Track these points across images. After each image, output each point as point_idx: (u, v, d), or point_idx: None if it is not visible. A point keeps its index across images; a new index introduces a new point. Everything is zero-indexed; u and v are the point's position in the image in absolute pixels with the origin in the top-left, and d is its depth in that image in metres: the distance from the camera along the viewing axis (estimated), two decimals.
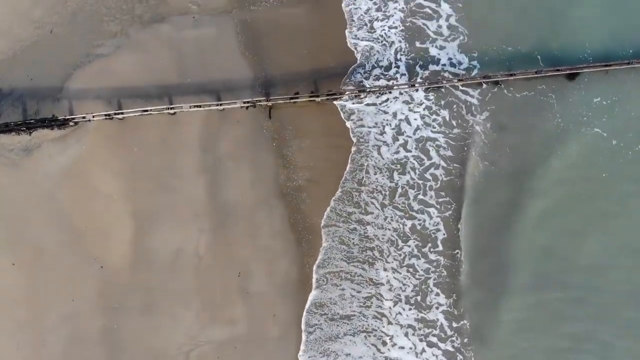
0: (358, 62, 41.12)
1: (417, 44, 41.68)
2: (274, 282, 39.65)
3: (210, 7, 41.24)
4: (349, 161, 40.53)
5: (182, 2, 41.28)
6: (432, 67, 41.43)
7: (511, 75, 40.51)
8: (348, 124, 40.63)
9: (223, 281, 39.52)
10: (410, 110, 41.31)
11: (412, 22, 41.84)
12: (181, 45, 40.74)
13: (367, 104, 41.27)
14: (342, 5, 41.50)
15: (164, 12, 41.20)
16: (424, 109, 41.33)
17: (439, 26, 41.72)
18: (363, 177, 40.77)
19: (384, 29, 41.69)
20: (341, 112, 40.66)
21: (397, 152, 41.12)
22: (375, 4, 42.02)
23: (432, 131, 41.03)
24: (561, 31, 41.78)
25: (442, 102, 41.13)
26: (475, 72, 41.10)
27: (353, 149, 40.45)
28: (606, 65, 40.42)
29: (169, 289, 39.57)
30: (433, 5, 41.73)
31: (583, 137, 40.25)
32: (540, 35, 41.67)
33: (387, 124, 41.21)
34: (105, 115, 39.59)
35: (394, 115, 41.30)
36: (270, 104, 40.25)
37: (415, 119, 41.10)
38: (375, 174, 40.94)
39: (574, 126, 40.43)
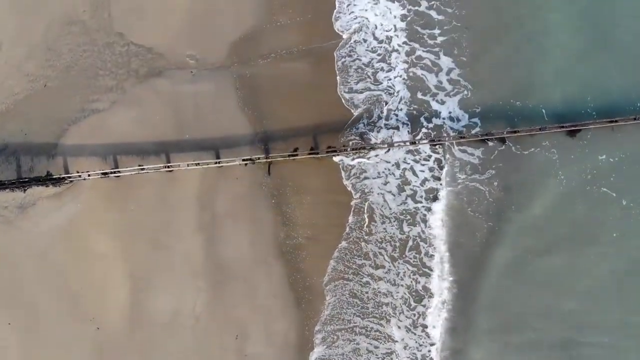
0: (356, 115, 40.21)
1: (419, 96, 40.63)
2: (272, 344, 38.98)
3: (208, 62, 40.39)
4: (352, 212, 39.65)
5: (179, 57, 40.43)
6: (434, 121, 40.46)
7: (514, 132, 39.63)
8: (348, 182, 39.69)
9: (220, 343, 38.77)
10: (414, 161, 40.48)
11: (413, 73, 40.94)
12: (179, 101, 39.91)
13: (368, 157, 40.72)
14: (335, 56, 40.67)
15: (160, 67, 40.34)
16: (425, 160, 40.68)
17: (439, 81, 40.69)
18: (368, 226, 39.83)
19: (384, 81, 40.65)
20: (342, 171, 39.73)
21: (405, 203, 40.36)
22: (373, 52, 40.95)
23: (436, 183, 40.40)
24: (565, 86, 40.59)
25: (445, 156, 40.40)
26: (476, 129, 39.93)
27: (357, 199, 39.60)
28: (611, 121, 39.58)
29: (166, 351, 38.86)
30: (433, 58, 40.77)
31: (589, 197, 39.19)
32: (543, 90, 40.57)
33: (390, 174, 40.43)
34: (101, 173, 39.00)
35: (397, 165, 40.49)
36: (269, 160, 39.87)
37: (422, 171, 40.24)
38: (383, 223, 40.20)
39: (577, 185, 39.40)
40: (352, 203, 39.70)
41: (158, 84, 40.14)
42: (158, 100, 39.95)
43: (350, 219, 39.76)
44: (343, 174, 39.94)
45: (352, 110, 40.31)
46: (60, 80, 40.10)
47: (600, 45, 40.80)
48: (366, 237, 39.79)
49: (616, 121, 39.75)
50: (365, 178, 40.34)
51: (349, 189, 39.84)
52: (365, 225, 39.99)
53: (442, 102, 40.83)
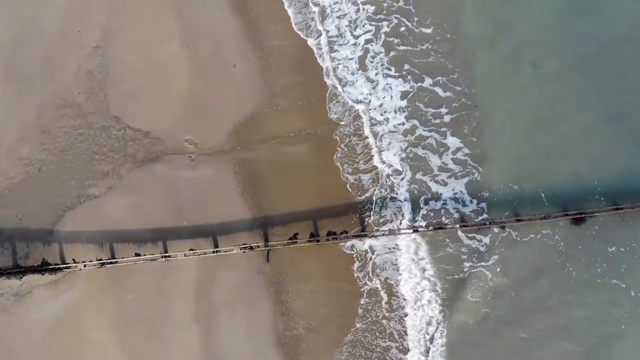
0: (359, 199, 39.24)
1: (422, 178, 39.73)
2: None
3: (207, 146, 39.36)
4: (365, 295, 38.62)
5: (177, 141, 39.41)
6: (436, 205, 39.46)
7: (518, 220, 38.68)
8: (355, 266, 38.93)
9: None
10: (417, 248, 39.44)
11: (417, 154, 39.82)
12: (176, 186, 38.94)
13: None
14: (337, 139, 39.63)
15: (158, 151, 39.33)
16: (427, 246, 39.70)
17: (444, 163, 39.68)
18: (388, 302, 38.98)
19: (387, 162, 39.56)
20: (344, 249, 38.82)
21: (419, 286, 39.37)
22: (375, 135, 39.79)
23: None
24: (573, 171, 39.51)
25: (446, 242, 39.39)
26: (482, 215, 38.89)
27: (368, 281, 38.63)
28: (617, 208, 38.37)
29: None
30: (439, 138, 39.80)
31: (600, 289, 38.10)
32: (549, 175, 39.49)
33: (399, 257, 39.40)
34: (97, 262, 38.26)
35: (407, 250, 39.38)
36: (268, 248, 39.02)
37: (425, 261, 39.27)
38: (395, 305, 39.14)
39: (587, 277, 38.35)
40: (364, 288, 38.65)
41: (155, 169, 39.20)
42: (155, 186, 39.04)
43: (363, 300, 38.79)
44: (356, 264, 38.86)
45: (355, 194, 39.23)
46: (55, 164, 39.20)
47: (611, 127, 39.70)
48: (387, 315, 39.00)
49: (621, 208, 38.75)
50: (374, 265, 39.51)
51: (356, 274, 38.76)
52: (384, 302, 38.98)
53: (445, 184, 39.71)
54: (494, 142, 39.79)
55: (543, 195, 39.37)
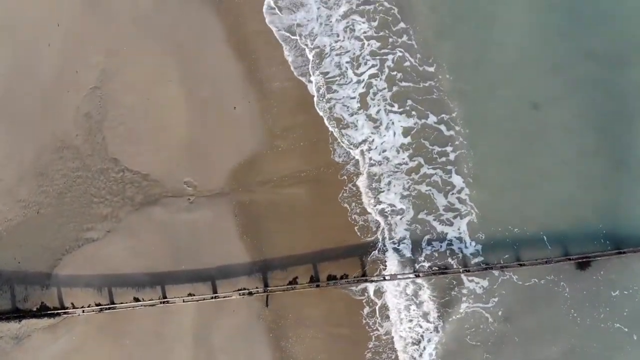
0: (360, 242, 38.79)
1: (424, 217, 39.28)
2: None
3: (206, 189, 38.93)
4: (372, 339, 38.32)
5: (176, 183, 38.98)
6: (438, 246, 38.98)
7: (520, 265, 38.22)
8: (365, 311, 38.52)
9: None
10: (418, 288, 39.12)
11: (419, 192, 39.62)
12: (175, 230, 38.57)
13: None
14: (339, 179, 39.30)
15: (157, 194, 38.93)
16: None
17: (449, 202, 39.26)
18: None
19: (388, 201, 39.17)
20: (351, 294, 38.52)
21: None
22: (377, 181, 39.37)
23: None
24: (575, 214, 39.07)
25: (447, 283, 38.98)
26: (482, 258, 38.56)
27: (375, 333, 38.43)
28: (620, 252, 37.89)
29: None
30: (444, 176, 39.35)
31: (604, 333, 37.71)
32: (551, 218, 39.00)
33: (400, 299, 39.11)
34: (96, 308, 37.94)
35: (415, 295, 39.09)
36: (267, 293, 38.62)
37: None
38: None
39: (591, 321, 37.92)
40: (373, 333, 38.32)
41: (154, 213, 38.83)
42: (154, 229, 38.68)
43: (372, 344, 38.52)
44: (366, 309, 38.43)
45: (357, 236, 38.77)
46: (53, 207, 38.88)
47: (614, 171, 39.08)
48: None
49: (624, 252, 38.12)
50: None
51: (354, 320, 38.40)
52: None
53: (448, 224, 39.32)
54: (491, 183, 39.34)
55: (545, 238, 38.78)
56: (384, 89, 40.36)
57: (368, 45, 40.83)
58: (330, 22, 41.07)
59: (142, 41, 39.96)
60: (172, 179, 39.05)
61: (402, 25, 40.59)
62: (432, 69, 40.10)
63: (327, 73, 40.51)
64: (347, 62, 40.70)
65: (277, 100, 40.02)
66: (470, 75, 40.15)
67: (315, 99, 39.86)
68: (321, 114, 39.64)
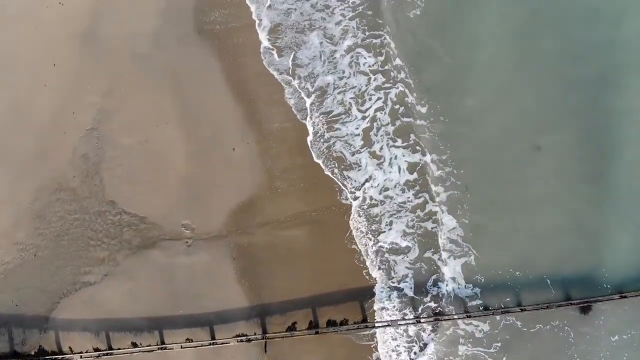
0: (360, 286, 38.23)
1: (426, 257, 38.71)
2: None
3: (204, 231, 38.48)
4: None
5: (174, 226, 38.57)
6: (438, 289, 38.59)
7: (522, 310, 37.77)
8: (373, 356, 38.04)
9: None
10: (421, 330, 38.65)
11: (420, 233, 39.14)
12: (173, 273, 38.12)
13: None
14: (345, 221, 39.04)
15: (154, 237, 38.51)
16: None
17: (446, 243, 38.92)
18: None
19: (389, 242, 38.91)
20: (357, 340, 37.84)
21: None
22: (376, 219, 38.97)
23: None
24: (576, 257, 38.67)
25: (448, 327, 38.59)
26: (480, 301, 38.27)
27: None
28: (622, 296, 37.49)
29: None
30: (440, 216, 39.11)
31: None
32: (552, 260, 38.60)
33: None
34: (94, 353, 37.59)
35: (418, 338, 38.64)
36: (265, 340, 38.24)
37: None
38: None
39: None
40: None
41: (152, 256, 38.38)
42: (152, 272, 38.25)
43: None
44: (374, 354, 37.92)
45: (359, 279, 38.30)
46: (50, 250, 38.48)
47: (616, 215, 38.83)
48: None
49: (625, 296, 37.67)
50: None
51: None
52: None
53: (445, 263, 38.85)
54: (489, 225, 38.95)
55: (549, 281, 38.36)
56: (387, 123, 40.12)
57: (374, 80, 40.50)
58: (335, 58, 40.78)
59: (140, 81, 39.53)
60: (170, 222, 38.66)
61: (398, 61, 40.57)
62: (424, 110, 40.09)
63: (330, 112, 40.07)
64: (351, 99, 40.36)
65: (277, 141, 39.56)
66: (465, 118, 39.97)
67: (309, 141, 39.51)
68: (317, 160, 39.22)
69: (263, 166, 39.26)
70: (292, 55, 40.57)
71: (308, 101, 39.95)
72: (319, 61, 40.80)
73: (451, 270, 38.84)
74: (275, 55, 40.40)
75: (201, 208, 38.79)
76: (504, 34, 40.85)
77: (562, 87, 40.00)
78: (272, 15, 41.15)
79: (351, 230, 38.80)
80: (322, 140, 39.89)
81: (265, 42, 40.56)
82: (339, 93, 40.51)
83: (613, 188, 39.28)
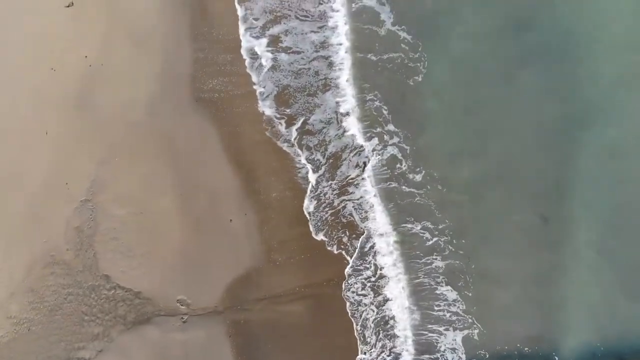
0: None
1: (430, 328, 37.80)
2: None
3: (200, 307, 37.22)
4: None
5: (169, 301, 37.38)
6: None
7: None
8: None
9: None
10: None
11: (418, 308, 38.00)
12: (168, 351, 36.81)
13: None
14: (343, 296, 37.84)
15: (149, 312, 37.38)
16: None
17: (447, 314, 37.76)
18: None
19: (391, 315, 37.85)
20: None
21: None
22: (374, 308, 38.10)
23: None
24: (589, 331, 37.16)
25: None
26: None
27: None
28: None
29: None
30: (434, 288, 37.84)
31: None
32: (561, 336, 37.17)
33: None
34: None
35: None
36: None
37: None
38: None
39: None
40: None
41: (146, 332, 37.28)
42: (146, 349, 37.04)
43: None
44: None
45: (360, 355, 37.26)
46: (44, 324, 37.43)
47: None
48: None
49: None
50: None
51: None
52: None
53: (444, 335, 37.57)
54: (494, 297, 37.60)
55: (557, 358, 37.07)
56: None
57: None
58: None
59: (135, 150, 38.28)
60: (165, 297, 37.52)
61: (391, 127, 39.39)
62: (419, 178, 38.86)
63: (346, 176, 38.87)
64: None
65: (276, 211, 38.21)
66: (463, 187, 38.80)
67: (308, 212, 38.40)
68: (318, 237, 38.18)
69: (261, 238, 37.94)
70: (300, 122, 39.34)
71: (314, 176, 38.74)
72: (334, 124, 39.55)
73: (451, 341, 37.66)
74: (282, 126, 39.01)
75: (197, 282, 37.66)
76: (509, 98, 39.39)
77: (568, 155, 38.51)
78: (278, 77, 39.80)
79: (351, 304, 37.50)
80: (327, 208, 38.76)
81: (268, 111, 39.18)
82: (354, 156, 39.31)
83: (624, 258, 37.68)
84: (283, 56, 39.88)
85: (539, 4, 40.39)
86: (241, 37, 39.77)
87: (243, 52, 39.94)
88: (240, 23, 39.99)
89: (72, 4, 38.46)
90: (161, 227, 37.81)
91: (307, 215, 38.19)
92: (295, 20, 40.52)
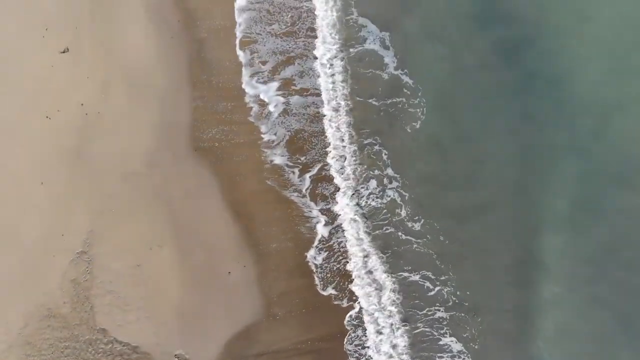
0: None
1: None
2: None
3: None
4: None
5: (167, 356, 35.98)
6: None
7: None
8: None
9: None
10: None
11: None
12: None
13: None
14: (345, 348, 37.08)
15: None
16: None
17: None
18: None
19: None
20: None
21: None
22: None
23: None
24: None
25: None
26: None
27: None
28: None
29: None
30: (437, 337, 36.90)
31: None
32: None
33: None
34: None
35: None
36: None
37: None
38: None
39: None
40: None
41: None
42: None
43: None
44: None
45: None
46: None
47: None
48: None
49: None
50: None
51: None
52: None
53: None
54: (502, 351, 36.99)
55: None
56: None
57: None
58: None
59: (133, 201, 37.47)
60: (163, 352, 36.56)
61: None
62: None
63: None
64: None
65: (275, 263, 37.39)
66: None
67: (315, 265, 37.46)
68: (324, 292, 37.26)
69: (260, 291, 37.12)
70: (317, 169, 38.41)
71: (326, 229, 38.06)
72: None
73: None
74: (294, 175, 38.37)
75: (195, 337, 36.90)
76: (514, 150, 38.84)
77: (580, 208, 37.75)
78: (290, 122, 39.07)
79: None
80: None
81: (278, 160, 38.45)
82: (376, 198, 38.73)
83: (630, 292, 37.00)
84: (296, 99, 39.06)
85: (553, 59, 39.78)
86: (244, 85, 38.86)
87: (248, 99, 39.11)
88: (244, 69, 39.00)
89: (68, 49, 37.56)
90: (159, 280, 36.95)
91: (313, 268, 37.58)
92: (311, 60, 39.57)
